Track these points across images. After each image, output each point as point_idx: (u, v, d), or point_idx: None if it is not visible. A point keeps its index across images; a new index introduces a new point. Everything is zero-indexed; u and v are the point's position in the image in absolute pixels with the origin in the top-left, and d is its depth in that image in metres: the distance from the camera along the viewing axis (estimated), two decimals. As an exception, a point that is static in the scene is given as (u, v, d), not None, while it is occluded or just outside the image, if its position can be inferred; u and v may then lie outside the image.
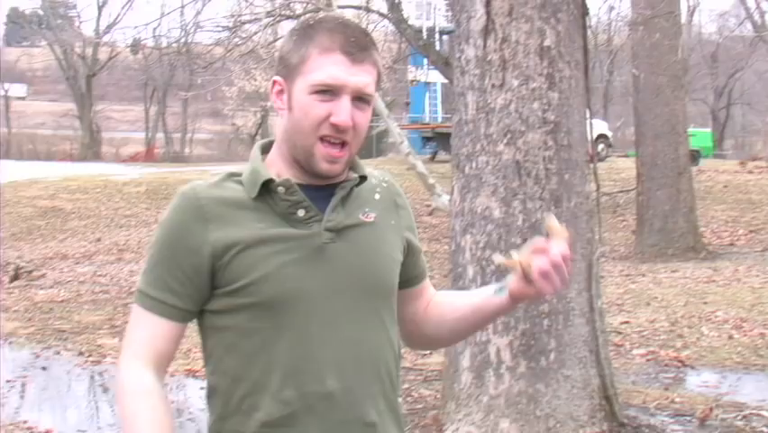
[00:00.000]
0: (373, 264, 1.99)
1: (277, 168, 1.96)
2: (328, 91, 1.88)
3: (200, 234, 1.90)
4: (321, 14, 1.96)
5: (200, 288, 1.91)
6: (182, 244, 1.91)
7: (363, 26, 1.99)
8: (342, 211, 1.96)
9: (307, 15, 1.93)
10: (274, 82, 1.97)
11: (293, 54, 1.92)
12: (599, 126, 31.35)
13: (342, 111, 1.88)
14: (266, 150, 2.03)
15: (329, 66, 1.87)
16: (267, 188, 1.92)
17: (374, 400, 1.97)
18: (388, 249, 2.04)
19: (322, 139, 1.89)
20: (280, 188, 1.91)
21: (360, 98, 1.91)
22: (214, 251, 1.89)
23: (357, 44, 1.90)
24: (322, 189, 1.95)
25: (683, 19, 16.94)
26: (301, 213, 1.92)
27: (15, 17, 68.18)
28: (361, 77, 1.89)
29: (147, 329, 1.92)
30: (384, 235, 2.04)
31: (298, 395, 1.89)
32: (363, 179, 2.01)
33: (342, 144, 1.91)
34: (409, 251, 2.12)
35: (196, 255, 1.89)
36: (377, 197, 2.07)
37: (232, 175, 1.99)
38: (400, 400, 2.09)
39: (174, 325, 1.92)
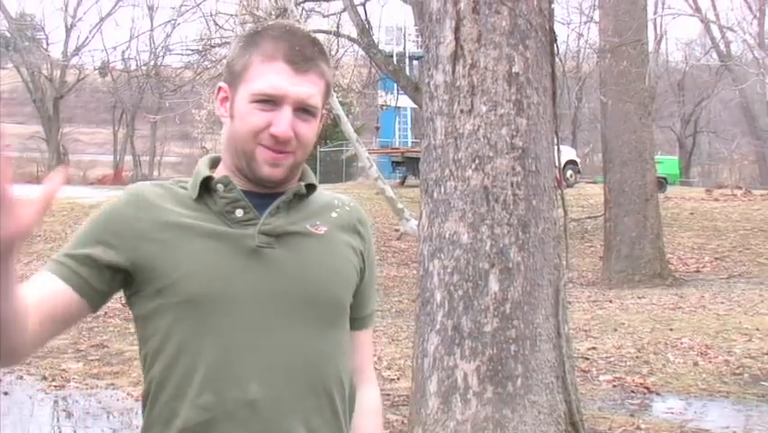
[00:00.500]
0: (317, 276, 1.88)
1: (221, 174, 1.90)
2: (269, 101, 1.81)
3: (133, 214, 1.83)
4: (270, 23, 1.90)
5: (114, 266, 1.80)
6: (112, 223, 1.82)
7: (312, 37, 1.88)
8: (284, 216, 1.88)
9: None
10: (219, 89, 1.92)
11: (237, 61, 1.87)
12: (568, 153, 31.56)
13: (282, 122, 1.81)
14: (214, 165, 1.97)
15: (270, 75, 1.81)
16: (207, 187, 1.86)
17: (305, 415, 1.84)
18: (337, 265, 1.93)
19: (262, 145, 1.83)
20: (219, 185, 1.85)
21: (303, 109, 1.83)
22: (143, 233, 1.80)
23: (301, 53, 1.83)
24: (266, 197, 1.88)
25: (650, 47, 17.07)
26: (239, 213, 1.84)
27: (-18, 38, 67.81)
28: (303, 87, 1.82)
29: (40, 280, 1.77)
30: (335, 251, 1.94)
31: (218, 400, 1.78)
32: (311, 187, 1.94)
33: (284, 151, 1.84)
34: (361, 282, 2.01)
35: (124, 232, 1.81)
36: (333, 215, 1.98)
37: (179, 181, 1.94)
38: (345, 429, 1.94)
39: (70, 292, 1.77)
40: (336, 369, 1.90)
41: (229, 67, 1.89)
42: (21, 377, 8.26)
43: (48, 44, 56.72)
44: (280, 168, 1.85)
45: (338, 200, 2.04)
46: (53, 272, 1.78)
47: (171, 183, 1.93)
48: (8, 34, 52.79)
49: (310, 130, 1.86)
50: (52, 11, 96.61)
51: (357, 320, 2.03)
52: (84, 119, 69.91)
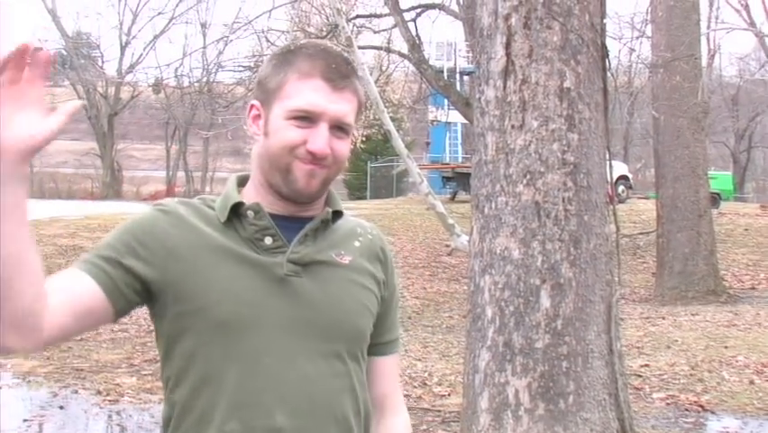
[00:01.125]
0: (340, 306, 1.89)
1: (250, 197, 1.90)
2: (306, 118, 1.81)
3: (165, 229, 1.83)
4: (302, 42, 1.91)
5: (143, 276, 1.79)
6: (144, 234, 1.82)
7: (347, 56, 1.88)
8: (311, 245, 1.88)
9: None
10: (251, 107, 1.90)
11: (271, 79, 1.86)
12: (620, 168, 31.35)
13: (319, 138, 1.81)
14: (242, 183, 1.97)
15: (308, 92, 1.81)
16: (236, 212, 1.86)
17: None
18: (360, 295, 1.95)
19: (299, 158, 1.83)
20: (249, 212, 1.85)
21: (338, 127, 1.84)
22: (173, 250, 1.80)
23: (338, 71, 1.83)
24: (295, 221, 1.88)
25: (704, 62, 16.92)
26: (268, 241, 1.84)
27: (39, 56, 68.79)
28: (340, 105, 1.83)
29: (70, 276, 1.76)
30: (358, 280, 1.95)
31: (244, 429, 1.78)
32: (338, 214, 1.95)
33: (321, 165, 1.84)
34: (382, 310, 2.02)
35: (155, 247, 1.80)
36: (356, 244, 1.99)
37: (204, 200, 1.93)
38: None
39: (99, 292, 1.75)
40: (356, 399, 1.91)
41: (262, 84, 1.89)
42: (76, 391, 8.35)
43: (103, 62, 57.49)
44: (316, 179, 1.85)
45: (361, 228, 2.04)
46: (82, 270, 1.77)
47: (198, 201, 1.93)
48: (65, 52, 53.57)
49: (345, 147, 1.87)
50: (107, 29, 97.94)
51: (381, 346, 2.05)
52: (137, 135, 70.73)
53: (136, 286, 1.80)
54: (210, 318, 1.79)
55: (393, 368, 2.11)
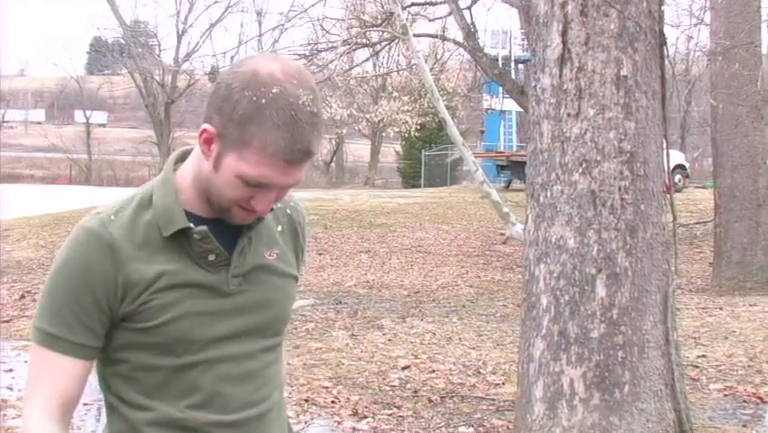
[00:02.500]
0: (274, 305, 2.02)
1: (187, 195, 1.92)
2: (257, 185, 1.83)
3: (110, 273, 1.85)
4: (275, 90, 1.77)
5: (105, 324, 1.88)
6: (90, 281, 1.85)
7: (317, 96, 1.82)
8: (249, 252, 1.96)
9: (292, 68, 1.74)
10: (204, 131, 1.83)
11: (235, 125, 1.78)
12: (677, 157, 31.00)
13: (266, 202, 1.86)
14: (182, 159, 1.99)
15: (265, 168, 1.79)
16: (182, 230, 1.90)
17: (273, 422, 2.05)
18: (287, 287, 2.07)
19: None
20: (196, 236, 1.89)
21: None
22: (125, 290, 1.86)
23: (302, 151, 1.79)
24: (227, 225, 1.93)
25: (764, 49, 16.67)
26: (211, 258, 1.90)
27: (98, 46, 69.68)
28: (295, 175, 1.83)
29: (53, 373, 1.87)
30: (284, 271, 2.05)
31: (202, 424, 1.92)
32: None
33: None
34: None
35: (105, 294, 1.85)
36: (279, 228, 2.07)
37: (141, 205, 1.93)
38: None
39: (82, 364, 1.88)
40: (280, 374, 2.12)
41: (223, 116, 1.80)
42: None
43: (160, 50, 57.88)
44: (253, 218, 1.93)
45: (279, 208, 2.10)
46: (56, 351, 1.87)
47: (133, 208, 1.92)
48: (123, 41, 54.11)
49: (293, 185, 1.88)
50: (164, 18, 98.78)
51: None
52: (194, 123, 71.06)
53: (100, 332, 1.90)
54: (164, 337, 1.88)
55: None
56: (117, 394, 1.94)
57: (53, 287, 1.87)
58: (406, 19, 15.12)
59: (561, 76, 5.04)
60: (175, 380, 1.90)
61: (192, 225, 1.89)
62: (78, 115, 74.40)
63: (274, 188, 1.84)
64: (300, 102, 1.78)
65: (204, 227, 1.89)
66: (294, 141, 1.77)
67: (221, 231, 1.91)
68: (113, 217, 1.89)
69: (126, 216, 1.90)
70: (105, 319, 1.87)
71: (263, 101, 1.76)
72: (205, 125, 1.83)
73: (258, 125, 1.76)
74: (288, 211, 2.12)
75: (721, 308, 13.34)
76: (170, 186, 1.93)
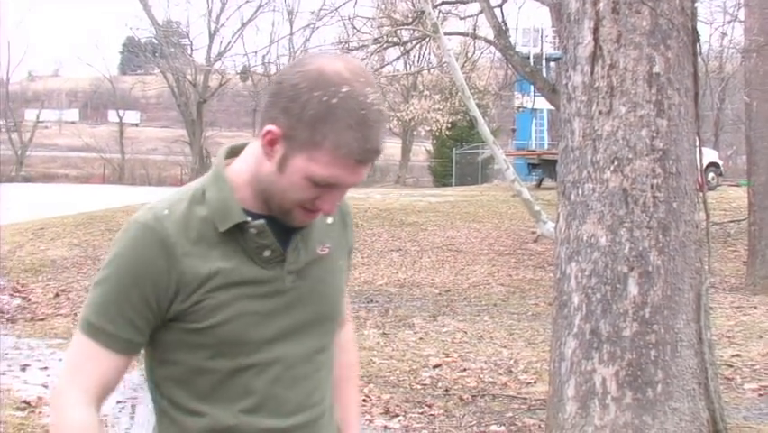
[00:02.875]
0: (326, 300, 2.01)
1: (242, 193, 1.90)
2: (326, 185, 1.81)
3: (162, 270, 1.83)
4: (345, 89, 1.74)
5: (151, 322, 1.87)
6: (141, 277, 1.83)
7: (383, 97, 1.81)
8: (302, 248, 1.94)
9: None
10: (268, 132, 1.80)
11: (304, 126, 1.75)
12: (710, 155, 30.79)
13: (333, 202, 1.86)
14: (234, 154, 1.98)
15: (336, 168, 1.77)
16: (238, 224, 1.88)
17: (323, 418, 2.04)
18: (338, 281, 2.06)
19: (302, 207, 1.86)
20: (252, 230, 1.87)
21: None
22: (177, 288, 1.84)
23: (373, 151, 1.79)
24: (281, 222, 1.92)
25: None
26: (267, 253, 1.88)
27: (131, 46, 70.19)
28: (363, 174, 1.82)
29: (98, 363, 1.86)
30: (335, 265, 2.05)
31: (256, 431, 1.91)
32: None
33: None
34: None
35: (155, 290, 1.84)
36: (330, 221, 2.05)
37: (194, 200, 1.90)
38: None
39: (123, 358, 1.88)
40: (331, 372, 2.09)
41: (296, 120, 1.76)
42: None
43: (192, 50, 58.31)
44: (313, 220, 1.93)
45: None
46: (102, 344, 1.87)
47: (186, 203, 1.90)
48: (155, 41, 54.44)
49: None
50: (196, 18, 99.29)
51: None
52: (225, 123, 71.69)
53: (146, 331, 1.90)
54: (219, 338, 1.87)
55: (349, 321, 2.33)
56: (169, 398, 1.93)
57: (103, 280, 1.86)
58: (437, 17, 15.11)
59: (592, 73, 5.02)
60: (229, 383, 1.89)
61: (249, 219, 1.87)
62: (112, 115, 75.03)
63: (342, 188, 1.83)
64: (369, 101, 1.76)
65: (261, 221, 1.87)
66: (366, 141, 1.76)
67: (273, 227, 1.89)
68: (166, 212, 1.87)
69: (180, 211, 1.87)
70: (151, 317, 1.86)
71: (334, 101, 1.74)
72: (270, 126, 1.79)
73: (330, 126, 1.74)
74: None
75: (756, 307, 13.24)
76: (224, 182, 1.90)
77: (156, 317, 1.86)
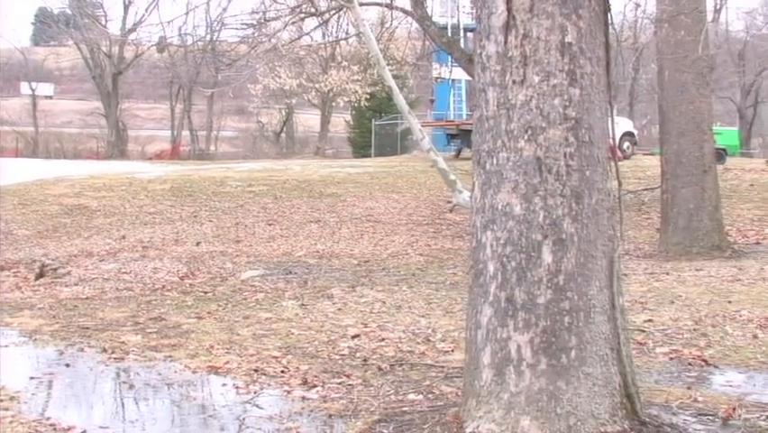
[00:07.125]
0: None
1: None
2: None
3: None
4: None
5: None
6: None
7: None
8: None
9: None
10: None
11: None
12: (625, 124, 31.29)
13: None
14: None
15: None
16: None
17: None
18: None
19: None
20: None
21: None
22: None
23: None
24: None
25: (709, 16, 16.79)
26: None
27: (43, 17, 68.68)
28: None
29: None
30: None
31: None
32: None
33: None
34: None
35: None
36: None
37: None
38: None
39: None
40: None
41: None
42: (81, 349, 8.37)
43: (106, 21, 57.16)
44: None
45: None
46: None
47: None
48: (69, 12, 53.30)
49: None
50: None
51: None
52: (142, 95, 70.61)
53: None
54: None
55: None
56: None
57: None
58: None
59: (506, 43, 5.04)
60: None
61: None
62: (24, 87, 73.28)
63: None
64: None
65: None
66: None
67: None
68: None
69: None
70: None
71: None
72: None
73: None
74: None
75: (668, 273, 13.51)
76: None
77: None
